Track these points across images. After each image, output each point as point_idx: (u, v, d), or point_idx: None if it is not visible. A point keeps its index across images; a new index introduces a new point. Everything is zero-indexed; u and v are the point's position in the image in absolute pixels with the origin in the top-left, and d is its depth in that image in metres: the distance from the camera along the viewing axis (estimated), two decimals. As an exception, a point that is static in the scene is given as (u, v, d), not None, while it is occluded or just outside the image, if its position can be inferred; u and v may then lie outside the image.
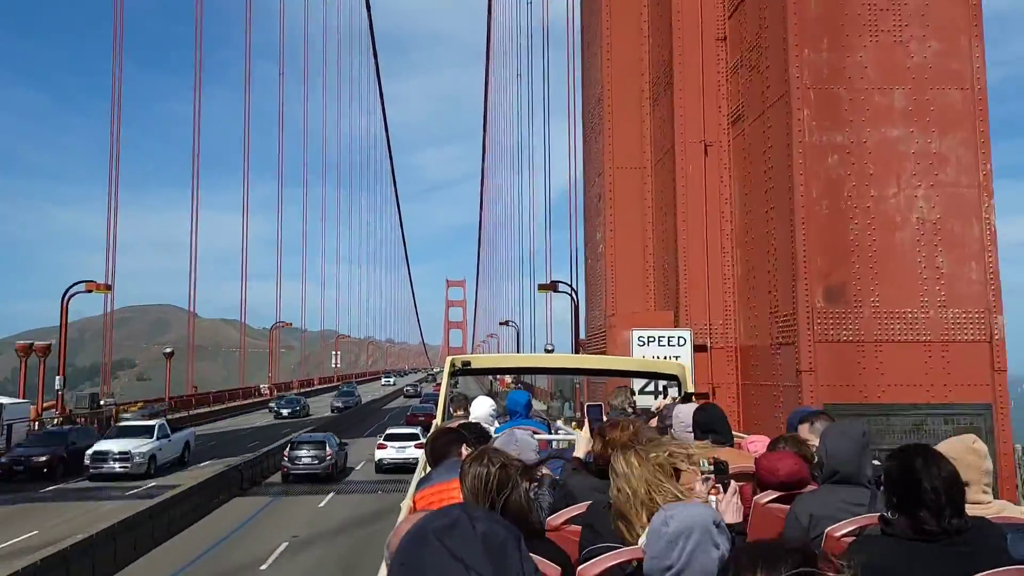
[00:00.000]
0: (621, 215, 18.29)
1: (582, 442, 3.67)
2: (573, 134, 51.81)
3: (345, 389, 69.30)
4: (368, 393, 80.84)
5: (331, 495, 23.53)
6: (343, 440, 29.25)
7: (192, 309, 61.71)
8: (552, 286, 40.89)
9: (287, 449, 26.20)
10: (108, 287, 40.00)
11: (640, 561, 2.09)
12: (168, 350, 51.62)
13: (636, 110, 18.62)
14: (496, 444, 3.20)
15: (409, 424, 32.81)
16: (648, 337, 15.35)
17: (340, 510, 21.44)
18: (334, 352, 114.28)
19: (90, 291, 38.15)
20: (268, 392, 73.08)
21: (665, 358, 14.94)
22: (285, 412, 52.24)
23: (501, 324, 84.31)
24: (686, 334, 15.36)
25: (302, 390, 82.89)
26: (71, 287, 37.60)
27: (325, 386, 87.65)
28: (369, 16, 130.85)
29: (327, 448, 25.80)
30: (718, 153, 16.27)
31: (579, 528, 2.69)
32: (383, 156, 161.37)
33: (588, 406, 4.17)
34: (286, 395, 62.60)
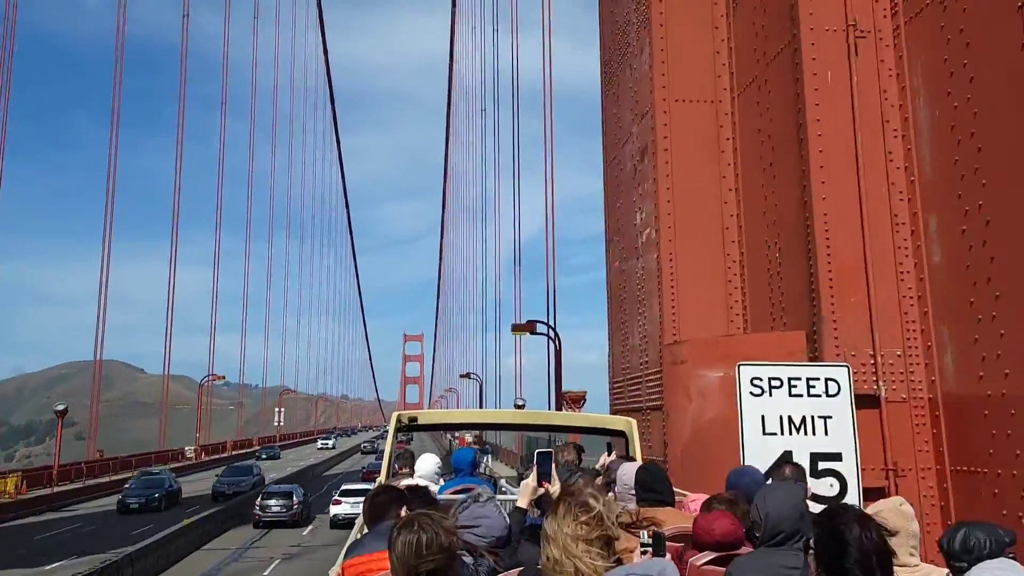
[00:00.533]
0: (685, 174, 10.88)
1: (527, 491, 3.30)
2: (549, 159, 45.38)
3: (239, 465, 44.26)
4: (307, 457, 71.33)
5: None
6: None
7: (99, 357, 52.58)
8: (528, 326, 33.36)
9: (259, 499, 29.54)
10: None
11: None
12: (60, 407, 42.15)
13: (705, 11, 11.47)
14: (467, 513, 3.03)
15: (365, 480, 34.44)
16: (772, 380, 8.01)
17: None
18: (278, 409, 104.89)
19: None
20: (194, 456, 63.67)
21: (805, 419, 7.97)
22: (133, 503, 33.22)
23: (462, 377, 76.02)
24: (840, 375, 7.97)
25: (236, 451, 73.40)
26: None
27: (264, 446, 77.71)
28: (328, 70, 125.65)
29: (294, 498, 29.64)
30: (875, 52, 9.15)
31: None
32: (340, 208, 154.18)
33: (538, 453, 3.33)
34: (152, 470, 40.77)
